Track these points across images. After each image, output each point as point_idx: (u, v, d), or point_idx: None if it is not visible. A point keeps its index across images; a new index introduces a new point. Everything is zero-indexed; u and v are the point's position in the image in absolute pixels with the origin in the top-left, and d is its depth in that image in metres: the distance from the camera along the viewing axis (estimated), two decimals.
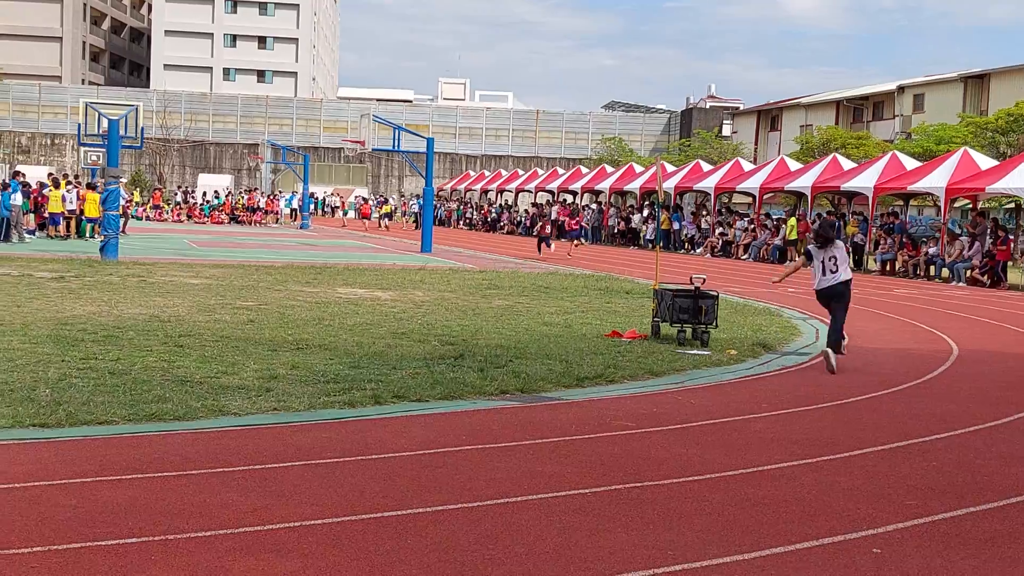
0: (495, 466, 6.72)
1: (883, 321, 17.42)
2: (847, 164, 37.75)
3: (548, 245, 33.24)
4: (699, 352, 12.16)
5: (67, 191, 32.09)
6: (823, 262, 11.85)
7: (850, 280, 11.91)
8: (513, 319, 14.70)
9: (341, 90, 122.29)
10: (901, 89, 63.13)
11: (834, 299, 11.87)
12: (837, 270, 11.79)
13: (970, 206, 36.34)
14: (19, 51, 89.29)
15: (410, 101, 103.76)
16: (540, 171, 62.86)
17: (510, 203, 60.17)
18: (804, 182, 36.69)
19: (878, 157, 37.64)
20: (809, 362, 12.17)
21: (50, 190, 31.75)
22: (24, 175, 34.05)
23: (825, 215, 34.99)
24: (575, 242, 35.23)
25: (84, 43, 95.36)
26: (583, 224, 43.21)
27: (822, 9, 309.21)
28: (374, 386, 9.01)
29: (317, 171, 73.59)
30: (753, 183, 39.49)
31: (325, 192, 74.08)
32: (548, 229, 33.89)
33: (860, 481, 6.74)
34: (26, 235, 29.23)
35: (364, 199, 65.30)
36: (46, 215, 31.73)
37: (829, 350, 11.40)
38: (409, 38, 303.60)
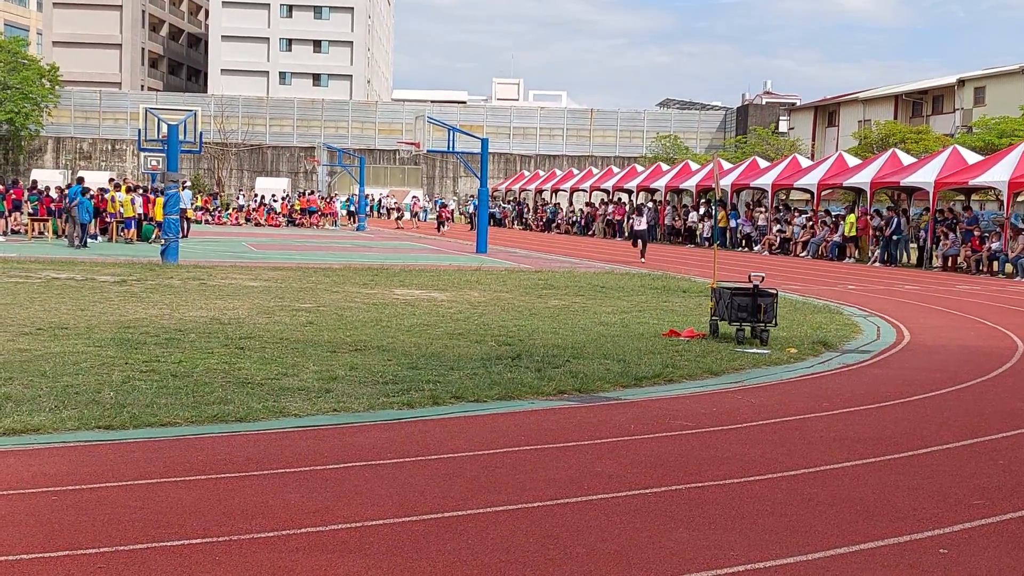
0: (554, 467, 6.71)
1: (946, 318, 17.15)
2: (907, 159, 37.21)
3: (639, 244, 30.45)
4: (758, 351, 12.05)
5: (136, 195, 32.65)
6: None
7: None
8: (570, 319, 14.68)
9: (395, 92, 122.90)
10: (961, 82, 62.10)
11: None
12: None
13: None
14: (80, 58, 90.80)
15: (464, 102, 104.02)
16: (595, 170, 62.68)
17: (564, 203, 60.12)
18: (863, 178, 36.23)
19: (938, 151, 37.07)
20: (871, 360, 12.02)
21: (110, 194, 32.29)
22: (85, 180, 34.64)
23: (886, 210, 34.57)
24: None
25: (143, 50, 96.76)
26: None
27: (877, 2, 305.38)
28: (432, 387, 9.03)
29: (372, 173, 74.04)
30: (811, 179, 39.07)
31: (381, 194, 74.51)
32: (643, 225, 31.03)
33: (924, 480, 6.64)
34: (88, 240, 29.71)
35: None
36: (108, 220, 32.28)
37: None
38: (462, 39, 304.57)
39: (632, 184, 51.96)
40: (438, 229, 50.67)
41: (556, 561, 4.89)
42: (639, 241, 31.22)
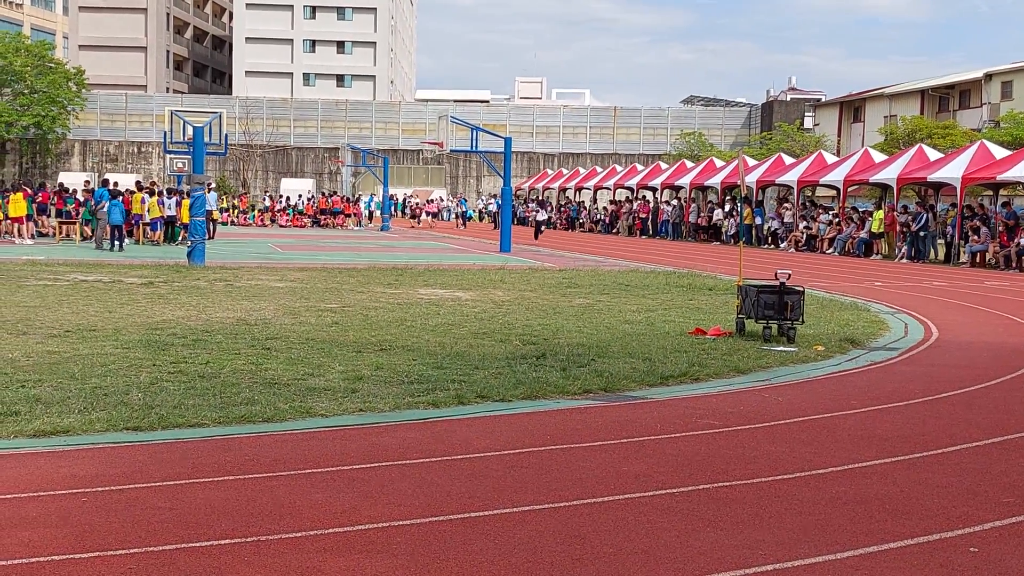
0: (580, 466, 6.70)
1: (974, 314, 17.02)
2: (933, 154, 36.95)
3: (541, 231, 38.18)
4: (785, 349, 12.00)
5: (166, 197, 32.87)
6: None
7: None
8: (594, 317, 14.66)
9: (419, 92, 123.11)
10: (988, 77, 61.59)
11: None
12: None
13: None
14: (106, 61, 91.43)
15: (487, 101, 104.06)
16: (619, 168, 62.56)
17: (588, 200, 60.05)
18: (889, 174, 36.01)
19: (966, 147, 36.78)
20: (898, 357, 11.94)
21: (136, 196, 32.49)
22: (117, 184, 34.96)
23: (914, 205, 34.35)
24: None
25: (168, 52, 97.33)
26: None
27: None
28: (457, 386, 9.04)
29: (396, 173, 74.18)
30: (837, 176, 38.87)
31: (404, 194, 74.68)
32: (543, 216, 39.30)
33: (954, 478, 6.59)
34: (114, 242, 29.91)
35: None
36: (134, 221, 32.50)
37: None
38: (484, 38, 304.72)
39: (656, 181, 51.83)
40: (358, 223, 53.50)
41: (583, 561, 4.89)
42: (541, 228, 43.69)
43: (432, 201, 67.87)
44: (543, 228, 45.04)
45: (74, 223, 33.50)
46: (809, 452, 7.21)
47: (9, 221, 32.09)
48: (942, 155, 37.26)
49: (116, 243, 28.50)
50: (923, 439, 7.70)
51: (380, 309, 15.09)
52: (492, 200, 46.67)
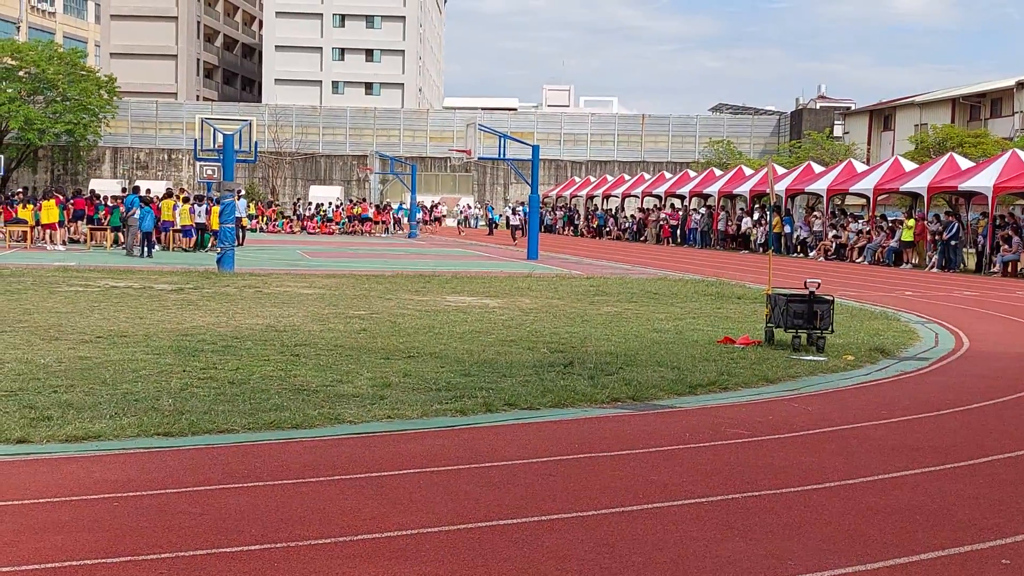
0: (609, 474, 6.69)
1: (1006, 324, 16.87)
2: (964, 163, 36.68)
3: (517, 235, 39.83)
4: (815, 358, 11.94)
5: (197, 204, 33.14)
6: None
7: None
8: (622, 326, 14.63)
9: (446, 100, 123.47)
10: (1020, 85, 61.07)
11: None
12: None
13: None
14: (137, 69, 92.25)
15: (515, 109, 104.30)
16: (647, 175, 62.47)
17: (616, 208, 59.96)
18: (920, 182, 35.78)
19: (997, 155, 36.48)
20: (929, 368, 11.85)
21: (165, 203, 32.74)
22: (149, 190, 35.20)
23: (944, 215, 34.11)
24: None
25: (198, 60, 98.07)
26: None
27: (930, 4, 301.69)
28: (485, 394, 9.05)
29: (424, 181, 74.38)
30: (867, 184, 38.66)
31: (432, 201, 74.87)
32: (517, 221, 42.46)
33: (985, 490, 6.53)
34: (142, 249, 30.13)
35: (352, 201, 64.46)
36: (163, 228, 32.74)
37: None
38: (512, 46, 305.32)
39: (684, 189, 51.71)
40: (386, 231, 54.04)
41: (611, 570, 4.88)
42: (517, 232, 46.40)
43: (437, 206, 68.17)
44: (519, 231, 47.57)
45: (105, 229, 33.78)
46: (839, 462, 7.17)
47: (41, 227, 32.40)
48: (973, 164, 36.99)
49: (146, 250, 28.71)
50: (954, 450, 7.64)
51: (408, 316, 15.12)
52: (520, 207, 46.73)
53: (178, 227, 32.73)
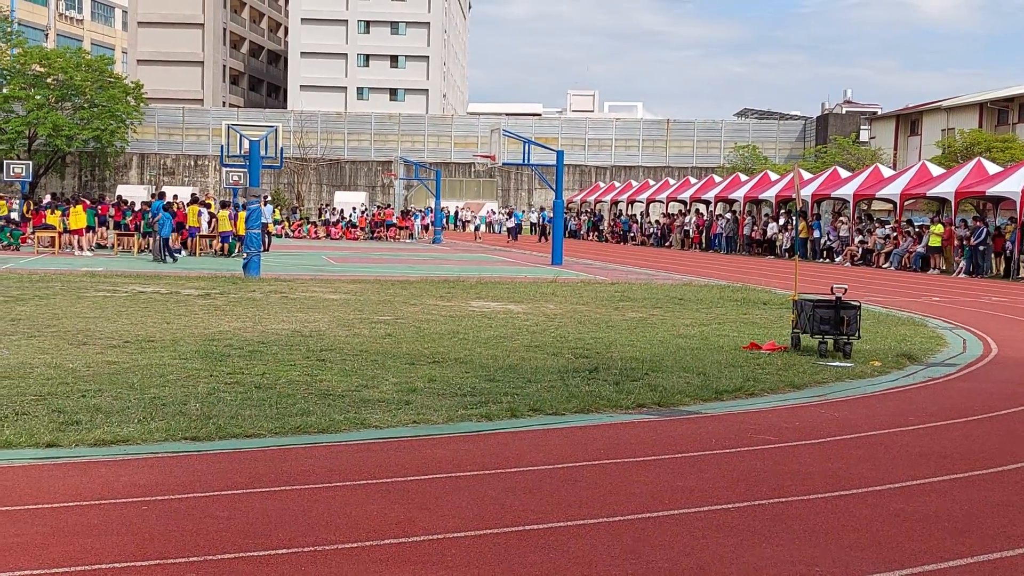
0: (634, 480, 6.68)
1: None
2: (992, 168, 36.41)
3: (514, 237, 41.64)
4: (841, 364, 11.88)
5: (221, 209, 33.41)
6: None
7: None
8: (647, 331, 14.61)
9: (471, 106, 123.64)
10: None
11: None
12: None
13: None
14: (163, 76, 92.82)
15: (539, 114, 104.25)
16: (672, 180, 62.34)
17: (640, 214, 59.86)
18: (947, 187, 35.55)
19: None
20: (957, 374, 11.77)
21: (193, 207, 32.97)
22: (176, 196, 35.43)
23: (971, 220, 33.86)
24: None
25: (224, 67, 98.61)
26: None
27: (957, 9, 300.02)
28: (510, 399, 9.06)
29: (448, 186, 74.48)
30: (893, 189, 38.43)
31: (457, 206, 74.98)
32: (512, 223, 44.33)
33: (1014, 496, 6.49)
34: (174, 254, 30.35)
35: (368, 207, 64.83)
36: (189, 233, 32.97)
37: None
38: (536, 52, 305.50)
39: (710, 195, 51.55)
40: (371, 235, 53.78)
41: None
42: (514, 235, 53.18)
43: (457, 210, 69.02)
44: (517, 234, 55.02)
45: (132, 235, 34.02)
46: (866, 468, 7.13)
47: (69, 233, 32.63)
48: (1001, 169, 36.71)
49: (167, 255, 28.89)
50: (983, 456, 7.58)
51: (433, 321, 15.15)
52: (541, 211, 47.27)
53: (204, 233, 32.93)
